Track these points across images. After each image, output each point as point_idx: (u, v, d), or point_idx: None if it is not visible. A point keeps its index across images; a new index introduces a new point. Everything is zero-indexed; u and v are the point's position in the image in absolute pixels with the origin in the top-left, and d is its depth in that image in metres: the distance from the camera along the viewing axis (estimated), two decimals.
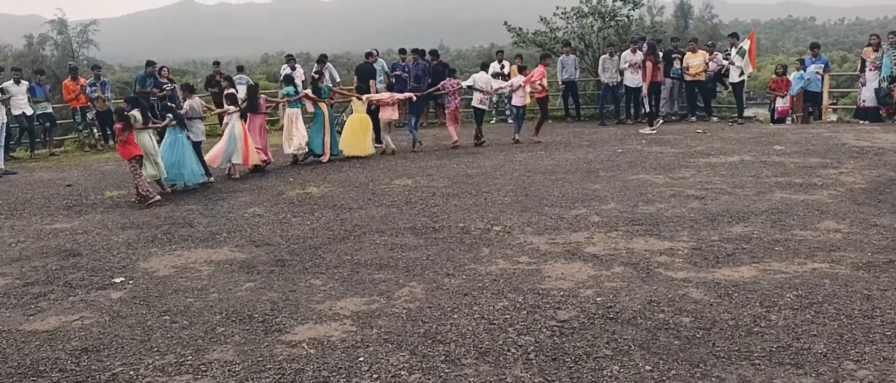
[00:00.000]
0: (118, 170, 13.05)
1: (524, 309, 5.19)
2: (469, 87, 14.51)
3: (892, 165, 10.06)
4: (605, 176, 10.29)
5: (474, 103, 14.46)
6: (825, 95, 16.60)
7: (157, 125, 10.80)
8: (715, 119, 17.20)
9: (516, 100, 14.33)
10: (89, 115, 16.53)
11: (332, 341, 4.80)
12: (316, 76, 13.90)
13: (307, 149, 12.95)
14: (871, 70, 14.96)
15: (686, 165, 10.85)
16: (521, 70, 15.16)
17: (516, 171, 10.94)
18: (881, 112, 14.98)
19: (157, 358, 4.66)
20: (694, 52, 16.78)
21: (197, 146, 11.07)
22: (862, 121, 15.07)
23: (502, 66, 17.47)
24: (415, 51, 17.12)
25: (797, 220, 7.41)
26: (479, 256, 6.64)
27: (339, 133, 13.53)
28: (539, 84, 13.76)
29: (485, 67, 15.61)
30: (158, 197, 9.91)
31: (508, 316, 5.07)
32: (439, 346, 4.63)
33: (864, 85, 15.16)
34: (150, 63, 17.00)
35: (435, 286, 5.83)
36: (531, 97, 14.46)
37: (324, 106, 13.17)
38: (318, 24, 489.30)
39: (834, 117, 17.35)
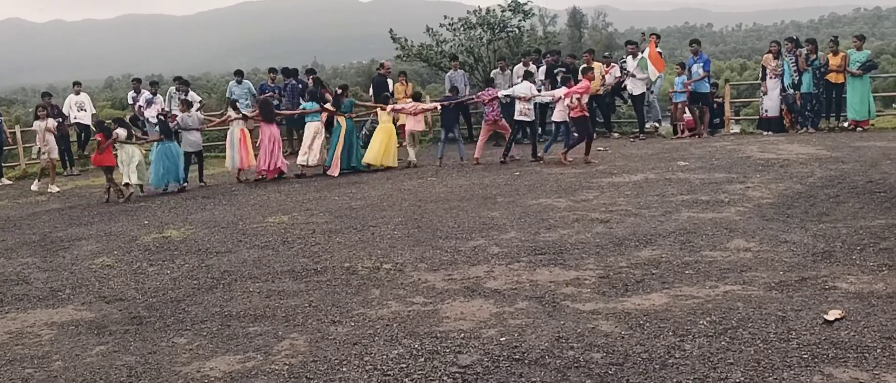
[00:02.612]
0: None
1: (422, 356, 5.18)
2: (507, 96, 14.61)
3: (798, 178, 10.71)
4: (502, 202, 10.47)
5: (517, 116, 14.63)
6: (727, 106, 17.55)
7: (144, 140, 14.75)
8: (616, 135, 17.83)
9: (556, 116, 14.44)
10: None
11: None
12: (339, 91, 15.21)
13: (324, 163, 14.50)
14: (772, 77, 15.91)
15: (588, 186, 11.19)
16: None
17: (406, 201, 10.98)
18: (784, 121, 15.95)
19: None
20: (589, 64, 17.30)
21: (198, 155, 14.36)
22: (765, 132, 16.01)
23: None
24: (284, 70, 17.69)
25: (706, 240, 7.76)
26: (369, 299, 6.60)
27: (364, 146, 14.88)
28: (577, 99, 13.64)
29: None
30: (131, 192, 13.14)
31: (404, 366, 5.05)
32: None
33: (765, 93, 16.08)
34: None
35: (319, 336, 5.74)
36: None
37: (342, 120, 14.40)
38: (169, 42, 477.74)
39: (737, 128, 18.34)
